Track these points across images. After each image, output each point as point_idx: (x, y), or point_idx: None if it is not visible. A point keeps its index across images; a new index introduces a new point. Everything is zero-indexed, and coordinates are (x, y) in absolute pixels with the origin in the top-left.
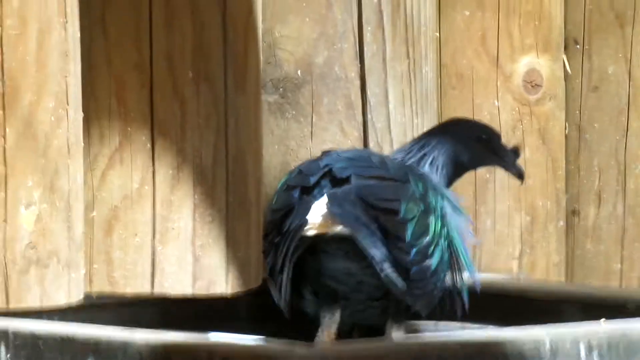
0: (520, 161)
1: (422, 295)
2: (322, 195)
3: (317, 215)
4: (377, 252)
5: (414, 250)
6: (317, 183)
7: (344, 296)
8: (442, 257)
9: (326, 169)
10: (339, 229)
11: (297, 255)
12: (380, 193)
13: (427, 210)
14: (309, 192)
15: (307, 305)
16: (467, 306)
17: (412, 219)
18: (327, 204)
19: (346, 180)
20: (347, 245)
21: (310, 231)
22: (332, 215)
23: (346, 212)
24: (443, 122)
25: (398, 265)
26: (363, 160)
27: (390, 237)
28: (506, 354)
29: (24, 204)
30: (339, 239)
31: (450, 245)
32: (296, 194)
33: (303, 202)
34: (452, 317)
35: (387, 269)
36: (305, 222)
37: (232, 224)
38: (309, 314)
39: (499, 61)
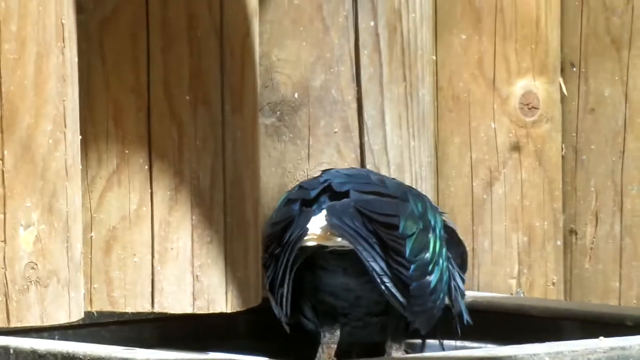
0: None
1: (422, 312)
2: (322, 209)
3: (316, 227)
4: (376, 265)
5: (413, 266)
6: (317, 198)
7: (343, 312)
8: (441, 276)
9: (326, 184)
10: (338, 240)
11: (297, 266)
12: (379, 207)
13: (426, 229)
14: (309, 206)
15: (306, 322)
16: (469, 323)
17: (412, 235)
18: (326, 217)
19: (345, 194)
20: (345, 261)
21: (310, 242)
22: (331, 227)
23: (345, 225)
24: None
25: (397, 280)
26: (362, 177)
27: (389, 252)
28: None
29: (22, 225)
30: (337, 254)
31: (449, 266)
32: (297, 207)
33: (303, 214)
34: (451, 335)
35: (387, 282)
36: (305, 232)
37: (230, 245)
38: (309, 332)
39: (495, 84)
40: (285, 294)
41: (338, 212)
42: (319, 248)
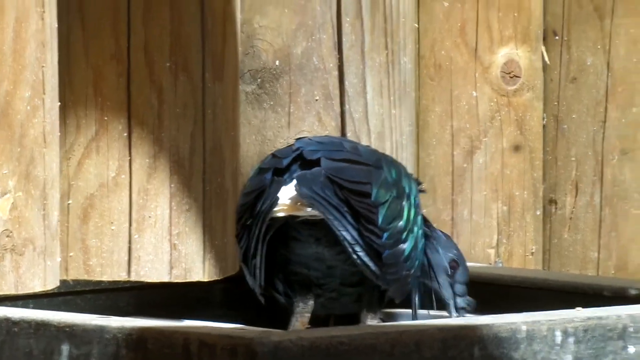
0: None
1: (395, 280)
2: (293, 179)
3: (286, 198)
4: (348, 234)
5: (386, 234)
6: (288, 167)
7: (317, 283)
8: (415, 244)
9: (298, 152)
10: (308, 210)
11: (269, 236)
12: (351, 175)
13: (400, 196)
14: (281, 175)
15: (278, 297)
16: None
17: (384, 202)
18: (295, 186)
19: (317, 162)
20: (317, 231)
21: (280, 213)
22: (301, 196)
23: (315, 194)
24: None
25: (370, 249)
26: (334, 145)
27: (362, 220)
28: (483, 339)
29: None
30: (309, 224)
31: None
32: (269, 176)
33: (274, 183)
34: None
35: (359, 251)
36: (275, 203)
37: (208, 213)
38: (282, 304)
39: (477, 52)
40: (258, 264)
41: (308, 181)
42: (291, 218)
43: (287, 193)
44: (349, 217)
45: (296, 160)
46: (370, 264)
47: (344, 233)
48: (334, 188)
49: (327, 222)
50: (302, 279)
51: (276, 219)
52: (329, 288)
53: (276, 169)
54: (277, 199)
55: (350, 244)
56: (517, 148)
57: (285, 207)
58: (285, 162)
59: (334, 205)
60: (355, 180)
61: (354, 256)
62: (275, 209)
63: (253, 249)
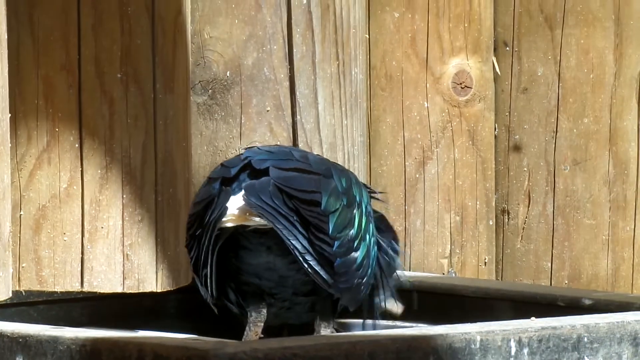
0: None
1: (348, 288)
2: (241, 188)
3: (234, 208)
4: (298, 243)
5: (337, 242)
6: (237, 176)
7: (269, 292)
8: (367, 252)
9: (246, 161)
10: (257, 220)
11: (218, 246)
12: (300, 184)
13: (350, 205)
14: (229, 184)
15: (231, 306)
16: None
17: (335, 211)
18: (243, 196)
19: (265, 172)
20: (268, 239)
21: (229, 223)
22: (249, 206)
23: (264, 203)
24: None
25: (321, 257)
26: (283, 154)
27: (312, 229)
28: (437, 350)
29: None
30: (259, 233)
31: (379, 243)
32: (217, 185)
33: (222, 193)
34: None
35: (310, 260)
36: (224, 213)
37: (161, 224)
38: (235, 314)
39: (428, 63)
40: (209, 274)
41: (256, 190)
42: (240, 227)
43: (235, 203)
44: (299, 226)
45: (245, 170)
46: (322, 272)
47: (294, 242)
48: (283, 197)
49: (276, 231)
50: (254, 289)
51: (225, 229)
52: (281, 298)
53: (224, 178)
54: (226, 208)
55: (300, 253)
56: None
57: (233, 217)
58: (234, 171)
59: (283, 214)
60: (305, 189)
61: (305, 265)
62: (224, 219)
63: (203, 259)
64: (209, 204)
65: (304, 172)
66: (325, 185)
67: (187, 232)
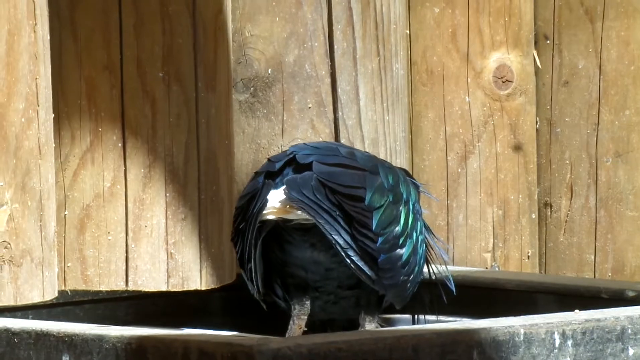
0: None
1: (393, 285)
2: (284, 182)
3: (275, 201)
4: (340, 238)
5: (381, 238)
6: (281, 171)
7: (314, 286)
8: (414, 249)
9: (291, 156)
10: (298, 213)
11: (260, 240)
12: (344, 179)
13: (396, 202)
14: (273, 179)
15: (279, 302)
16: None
17: (379, 207)
18: (284, 190)
19: (309, 167)
20: (311, 237)
21: (270, 215)
22: (290, 200)
23: (305, 197)
24: None
25: (364, 253)
26: (329, 149)
27: (355, 225)
28: (481, 343)
29: None
30: (302, 230)
31: (427, 239)
32: (261, 179)
33: (265, 186)
34: (432, 309)
35: (352, 255)
36: (264, 205)
37: (204, 222)
38: (284, 310)
39: (469, 57)
40: (253, 268)
41: (298, 184)
42: (283, 222)
43: (276, 196)
44: (342, 221)
45: (290, 164)
46: (365, 268)
47: (336, 237)
48: (325, 192)
49: (318, 226)
50: (298, 281)
51: (266, 221)
52: (326, 291)
53: (269, 172)
54: (267, 201)
55: (342, 247)
56: (516, 148)
57: (274, 210)
58: (278, 165)
59: (324, 208)
60: (348, 185)
61: (347, 260)
62: (264, 211)
63: (247, 253)
64: (253, 197)
65: (349, 167)
66: (371, 181)
67: (233, 225)
